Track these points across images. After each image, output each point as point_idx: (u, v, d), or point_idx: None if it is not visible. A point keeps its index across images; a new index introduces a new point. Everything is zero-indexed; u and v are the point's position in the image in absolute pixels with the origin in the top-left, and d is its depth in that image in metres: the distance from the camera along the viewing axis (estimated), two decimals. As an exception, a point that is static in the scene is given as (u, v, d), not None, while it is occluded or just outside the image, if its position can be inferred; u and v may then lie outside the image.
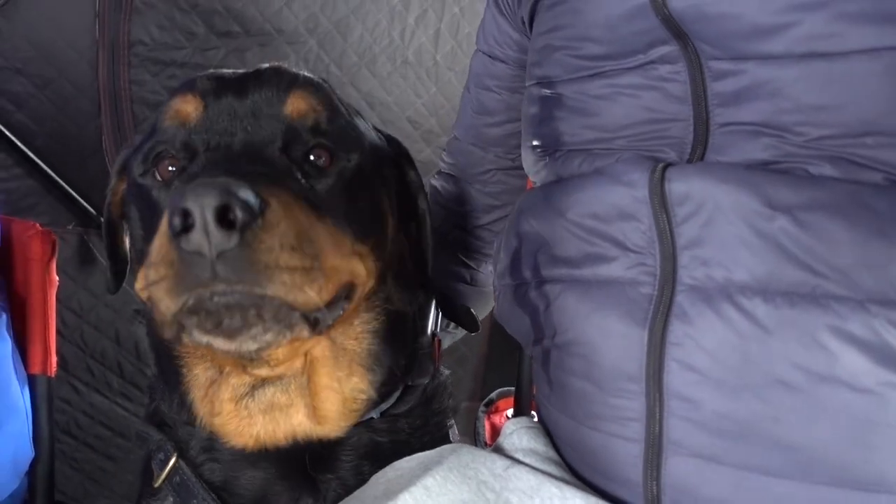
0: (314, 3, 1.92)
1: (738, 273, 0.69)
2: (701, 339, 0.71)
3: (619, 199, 0.78)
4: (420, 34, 2.04)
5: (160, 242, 0.65)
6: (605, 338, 0.77)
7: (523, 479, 0.77)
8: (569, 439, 0.84)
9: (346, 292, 0.75)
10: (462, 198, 1.24)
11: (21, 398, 0.99)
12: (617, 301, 0.77)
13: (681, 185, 0.73)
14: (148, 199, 0.78)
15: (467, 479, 0.76)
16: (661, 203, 0.74)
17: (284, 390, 0.80)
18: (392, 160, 0.92)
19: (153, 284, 0.65)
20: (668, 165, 0.75)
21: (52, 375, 1.05)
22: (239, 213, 0.61)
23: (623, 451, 0.76)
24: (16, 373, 0.99)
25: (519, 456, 0.84)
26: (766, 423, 0.68)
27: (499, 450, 0.86)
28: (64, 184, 1.73)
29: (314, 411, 0.80)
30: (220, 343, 0.67)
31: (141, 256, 0.76)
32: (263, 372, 0.78)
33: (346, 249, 0.75)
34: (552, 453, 0.84)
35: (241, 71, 0.84)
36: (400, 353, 0.87)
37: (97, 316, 1.84)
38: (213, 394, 0.81)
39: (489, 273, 1.17)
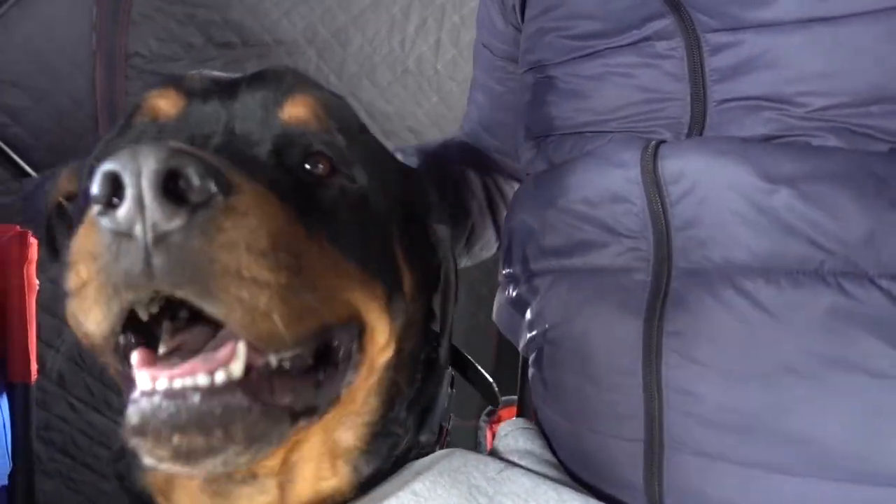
0: (312, 12, 1.91)
1: (737, 253, 0.65)
2: (701, 327, 0.66)
3: (609, 181, 0.73)
4: (420, 43, 2.02)
5: (82, 231, 0.48)
6: (598, 330, 0.73)
7: (517, 482, 0.72)
8: (566, 442, 0.79)
9: (349, 345, 0.60)
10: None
11: (-2, 408, 0.96)
12: (609, 290, 0.72)
13: (674, 163, 0.69)
14: None
15: (458, 484, 0.71)
16: (653, 182, 0.70)
17: (258, 488, 0.63)
18: (413, 206, 0.75)
19: (71, 296, 0.49)
20: (661, 143, 0.71)
21: (32, 383, 1.02)
22: (194, 179, 0.44)
23: (622, 451, 0.71)
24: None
25: (514, 458, 0.79)
26: (775, 415, 0.63)
27: (494, 453, 0.81)
28: (61, 197, 1.70)
29: None
30: (167, 455, 0.48)
31: None
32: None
33: (347, 274, 0.59)
34: (549, 455, 0.79)
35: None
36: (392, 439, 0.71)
37: (95, 331, 1.81)
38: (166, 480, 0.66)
39: None
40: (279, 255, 0.49)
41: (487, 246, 1.12)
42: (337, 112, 0.67)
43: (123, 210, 0.43)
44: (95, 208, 0.45)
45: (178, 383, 0.49)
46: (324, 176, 0.62)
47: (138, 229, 0.43)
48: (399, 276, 0.68)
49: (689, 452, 0.67)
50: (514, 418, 0.87)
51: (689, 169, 0.68)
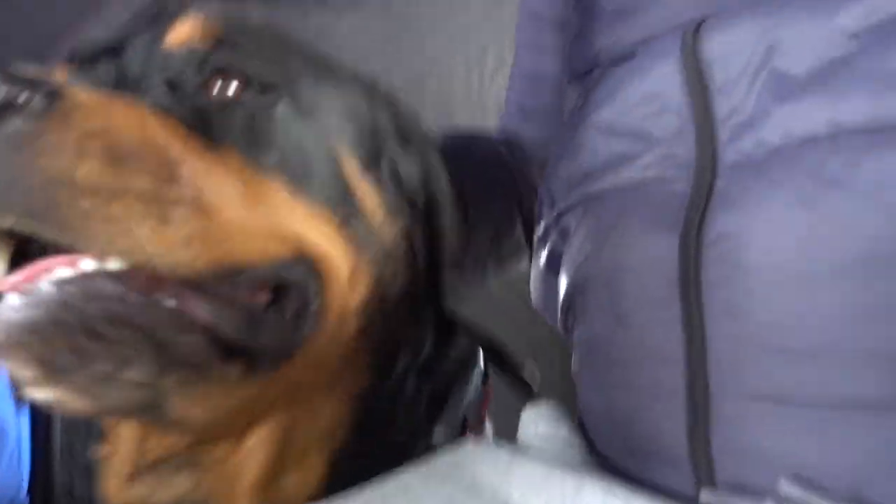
0: (387, 59, 1.91)
1: (798, 125, 0.50)
2: (752, 224, 0.51)
3: (642, 82, 0.62)
4: (500, 80, 1.97)
5: None
6: (627, 255, 0.59)
7: (529, 471, 0.57)
8: (601, 423, 0.64)
9: (305, 283, 0.50)
10: None
11: (13, 422, 0.92)
12: (640, 207, 0.59)
13: (720, 38, 0.57)
14: None
15: (458, 477, 0.57)
16: (694, 69, 0.57)
17: (201, 476, 0.53)
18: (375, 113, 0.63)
19: None
20: (702, 23, 0.58)
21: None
22: (10, 84, 0.37)
23: (661, 412, 0.55)
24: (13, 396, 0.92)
25: (535, 443, 0.64)
26: (864, 327, 0.45)
27: (513, 441, 0.67)
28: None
29: None
30: (61, 398, 0.40)
31: None
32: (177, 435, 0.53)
33: (269, 194, 0.50)
34: (576, 439, 0.63)
35: None
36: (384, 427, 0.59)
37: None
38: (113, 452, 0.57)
39: None
40: (133, 157, 0.41)
41: (516, 249, 0.97)
42: (236, 27, 0.58)
43: None
44: None
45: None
46: (236, 96, 0.54)
47: None
48: (352, 194, 0.56)
49: (742, 397, 0.50)
50: (540, 403, 0.71)
51: (739, 40, 0.55)
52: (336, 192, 0.55)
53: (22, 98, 0.38)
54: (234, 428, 0.53)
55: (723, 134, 0.55)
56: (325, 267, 0.52)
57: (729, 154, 0.54)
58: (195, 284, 0.44)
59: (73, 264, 0.40)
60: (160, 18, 0.58)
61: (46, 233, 0.38)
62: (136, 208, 0.40)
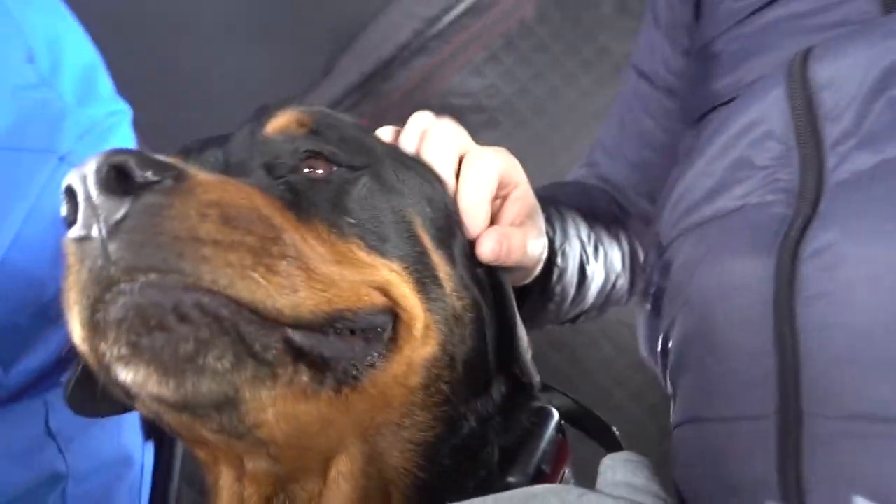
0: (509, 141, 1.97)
1: None
2: (850, 237, 0.52)
3: (749, 114, 0.63)
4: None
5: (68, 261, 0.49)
6: (722, 277, 0.60)
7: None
8: (695, 460, 0.64)
9: (382, 326, 0.56)
10: None
11: (138, 451, 1.00)
12: (734, 232, 0.61)
13: (832, 65, 0.58)
14: None
15: None
16: (802, 94, 0.59)
17: None
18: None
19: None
20: (809, 50, 0.60)
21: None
22: (133, 169, 0.45)
23: (750, 437, 0.56)
24: (141, 425, 1.01)
25: (609, 490, 0.62)
26: None
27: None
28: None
29: None
30: (151, 384, 0.47)
31: None
32: (263, 465, 0.58)
33: (352, 255, 0.56)
34: (655, 487, 0.62)
35: None
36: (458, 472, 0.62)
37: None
38: None
39: None
40: (243, 221, 0.48)
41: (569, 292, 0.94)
42: (327, 118, 0.66)
43: (80, 215, 0.45)
44: (64, 221, 0.48)
45: None
46: (325, 175, 0.62)
47: (93, 226, 0.45)
48: (428, 261, 0.63)
49: (836, 416, 0.49)
50: (620, 452, 0.69)
51: (849, 64, 0.57)
52: (411, 256, 0.62)
53: (155, 178, 0.46)
54: (311, 454, 0.57)
55: (831, 157, 0.56)
56: (404, 317, 0.58)
57: (836, 175, 0.55)
58: None
59: None
60: (258, 116, 0.68)
61: (171, 277, 0.45)
62: (247, 259, 0.47)
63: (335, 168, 0.62)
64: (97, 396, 0.60)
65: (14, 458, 0.84)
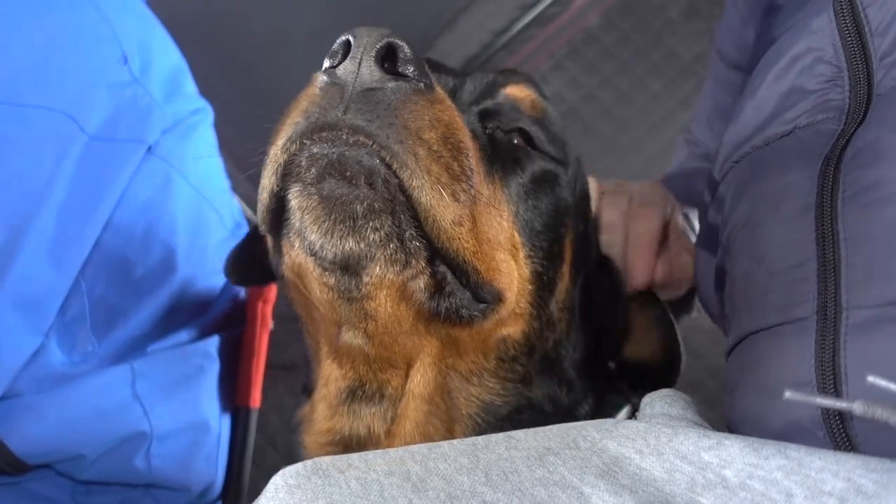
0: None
1: None
2: (888, 134, 0.54)
3: (800, 42, 0.66)
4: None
5: (301, 94, 0.57)
6: (766, 193, 0.62)
7: (630, 427, 0.58)
8: (738, 374, 0.65)
9: (489, 296, 0.63)
10: None
11: (215, 420, 1.06)
12: (785, 150, 0.62)
13: None
14: None
15: (563, 434, 0.60)
16: (850, 14, 0.61)
17: (381, 414, 0.67)
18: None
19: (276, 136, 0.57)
20: None
21: (255, 407, 1.11)
22: (402, 55, 0.54)
23: (792, 338, 0.57)
24: (219, 398, 1.07)
25: (646, 421, 0.64)
26: None
27: None
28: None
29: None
30: (313, 226, 0.54)
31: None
32: (358, 340, 0.65)
33: (504, 232, 0.64)
34: (690, 415, 0.62)
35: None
36: None
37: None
38: (320, 397, 0.72)
39: None
40: (454, 150, 0.56)
41: None
42: (548, 112, 0.76)
43: (343, 65, 0.54)
44: (324, 67, 0.56)
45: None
46: (518, 148, 0.71)
47: (350, 77, 0.53)
48: (559, 267, 0.72)
49: (877, 305, 0.51)
50: (661, 389, 0.70)
51: None
52: (545, 252, 0.70)
53: (414, 76, 0.55)
54: (396, 350, 0.64)
55: (879, 71, 0.58)
56: (506, 305, 0.65)
57: (883, 85, 0.57)
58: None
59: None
60: (503, 73, 0.78)
61: (384, 151, 0.53)
62: (445, 177, 0.55)
63: (531, 148, 0.71)
64: (251, 265, 0.80)
65: (104, 418, 0.91)
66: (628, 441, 0.54)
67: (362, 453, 0.53)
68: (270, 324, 1.16)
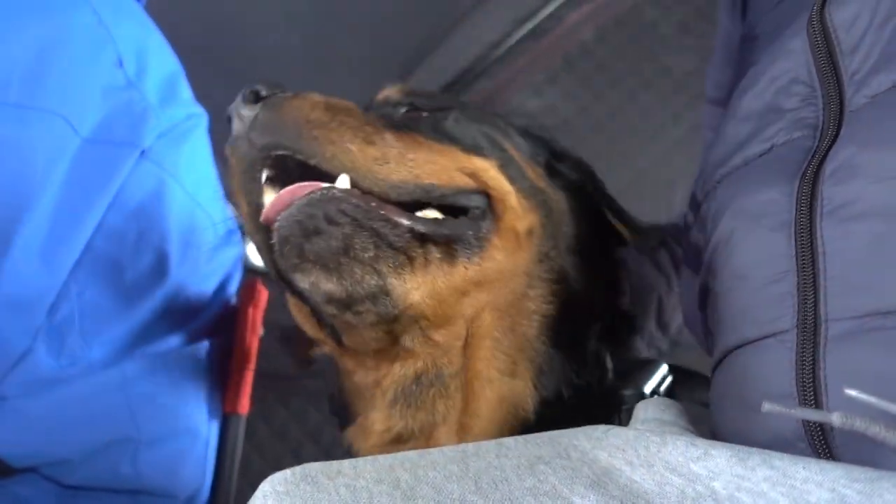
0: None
1: None
2: (864, 149, 0.56)
3: (777, 64, 0.68)
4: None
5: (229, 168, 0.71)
6: (745, 209, 0.63)
7: (620, 437, 0.59)
8: (721, 389, 0.66)
9: (479, 205, 0.70)
10: None
11: (204, 426, 1.06)
12: (763, 167, 0.64)
13: (845, 5, 0.63)
14: None
15: (554, 443, 0.60)
16: (821, 36, 0.64)
17: (443, 391, 0.69)
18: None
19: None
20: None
21: (243, 413, 1.10)
22: (263, 90, 0.67)
23: (772, 352, 0.58)
24: (207, 403, 1.07)
25: (637, 426, 0.65)
26: None
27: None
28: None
29: (463, 429, 0.68)
30: (315, 287, 0.65)
31: None
32: (419, 340, 0.68)
33: (448, 152, 0.71)
34: (682, 422, 0.63)
35: None
36: (575, 362, 0.72)
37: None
38: (367, 405, 0.74)
39: None
40: (344, 111, 0.67)
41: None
42: (417, 89, 0.84)
43: (233, 126, 0.67)
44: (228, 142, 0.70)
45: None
46: (420, 115, 0.78)
47: (240, 127, 0.66)
48: (516, 162, 0.77)
49: (855, 316, 0.52)
50: (655, 397, 0.71)
51: (860, 6, 0.62)
52: (500, 157, 0.75)
53: (278, 91, 0.68)
54: (456, 323, 0.68)
55: (850, 87, 0.60)
56: (495, 194, 0.71)
57: (854, 102, 0.60)
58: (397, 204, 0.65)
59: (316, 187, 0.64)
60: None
61: (297, 154, 0.64)
62: (347, 134, 0.64)
63: (426, 114, 0.78)
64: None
65: (91, 422, 0.91)
66: (618, 452, 0.54)
67: (352, 460, 0.53)
68: (260, 330, 1.16)
